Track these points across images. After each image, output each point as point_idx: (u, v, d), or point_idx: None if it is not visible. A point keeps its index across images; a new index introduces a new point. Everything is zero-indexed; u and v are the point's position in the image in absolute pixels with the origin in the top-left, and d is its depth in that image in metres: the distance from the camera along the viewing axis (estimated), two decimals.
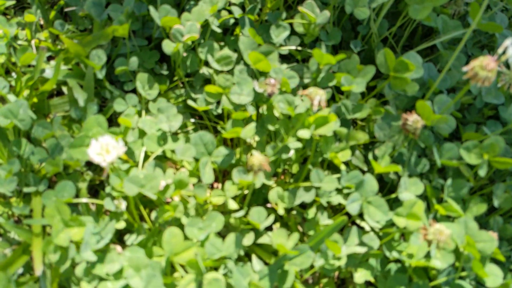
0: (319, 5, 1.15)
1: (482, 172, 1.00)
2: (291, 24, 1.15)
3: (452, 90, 1.22)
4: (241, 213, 0.93)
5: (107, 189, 0.97)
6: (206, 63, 1.16)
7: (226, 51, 1.08)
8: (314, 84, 1.08)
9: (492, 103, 1.17)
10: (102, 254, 0.87)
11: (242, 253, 0.92)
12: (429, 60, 1.25)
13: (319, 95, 0.90)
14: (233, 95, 1.00)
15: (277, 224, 1.02)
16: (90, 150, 0.78)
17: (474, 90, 1.16)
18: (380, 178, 1.09)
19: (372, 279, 0.96)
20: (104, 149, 0.78)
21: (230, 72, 1.11)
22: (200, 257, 0.86)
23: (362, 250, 0.94)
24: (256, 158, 0.83)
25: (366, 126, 1.14)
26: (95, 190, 1.07)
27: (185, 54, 1.12)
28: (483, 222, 1.07)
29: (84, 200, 0.96)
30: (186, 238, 0.90)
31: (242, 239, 0.93)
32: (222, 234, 0.97)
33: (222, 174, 1.12)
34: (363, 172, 1.07)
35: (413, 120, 0.99)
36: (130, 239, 0.93)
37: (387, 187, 1.11)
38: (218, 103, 1.09)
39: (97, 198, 1.04)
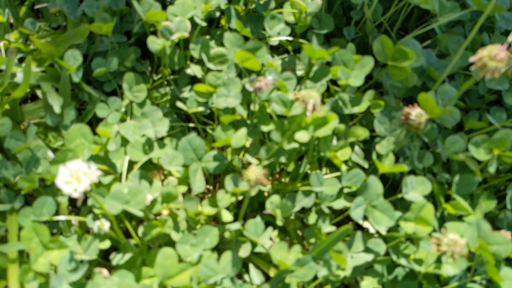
0: None
1: (492, 169, 0.90)
2: (280, 13, 1.02)
3: (451, 76, 1.10)
4: (236, 226, 0.82)
5: (90, 202, 0.85)
6: (192, 59, 1.03)
7: (220, 49, 0.95)
8: (307, 79, 0.96)
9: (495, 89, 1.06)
10: (85, 279, 0.76)
11: None
12: (426, 44, 1.13)
13: (313, 98, 0.78)
14: (219, 97, 0.87)
15: (275, 232, 0.91)
16: (58, 179, 0.65)
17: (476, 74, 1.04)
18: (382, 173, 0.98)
19: (379, 287, 0.86)
20: (74, 176, 0.65)
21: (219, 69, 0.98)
22: (195, 282, 0.74)
23: (368, 258, 0.83)
24: (253, 172, 0.71)
25: (364, 118, 1.02)
26: (76, 201, 0.95)
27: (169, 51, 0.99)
28: (491, 216, 0.97)
29: (64, 218, 0.84)
30: (178, 256, 0.78)
31: (238, 252, 0.82)
32: (216, 247, 0.86)
33: (213, 176, 1.00)
34: (364, 169, 0.96)
35: (416, 114, 0.87)
36: (116, 258, 0.82)
37: (389, 182, 1.00)
38: (206, 103, 0.96)
39: (79, 211, 0.91)
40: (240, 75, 0.96)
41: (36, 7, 1.07)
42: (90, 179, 0.65)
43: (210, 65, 0.94)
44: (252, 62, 0.88)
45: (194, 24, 1.01)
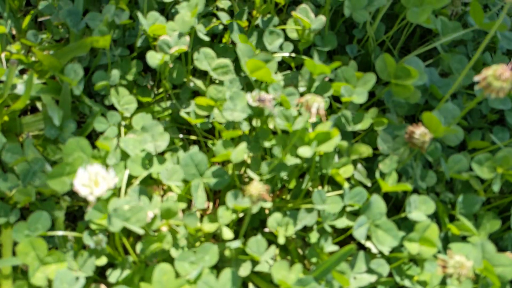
0: (311, 8, 0.99)
1: (496, 187, 0.86)
2: (283, 30, 1.00)
3: (453, 95, 1.08)
4: (237, 244, 0.78)
5: (86, 217, 0.81)
6: (193, 74, 1.00)
7: (223, 59, 0.92)
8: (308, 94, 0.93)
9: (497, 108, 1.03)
10: None
11: None
12: (429, 63, 1.10)
13: (317, 102, 0.75)
14: (226, 111, 0.84)
15: (276, 250, 0.87)
16: (76, 181, 0.63)
17: (479, 94, 1.01)
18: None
19: None
20: (92, 180, 0.63)
21: (221, 82, 0.95)
22: None
23: (372, 279, 0.79)
24: (255, 188, 0.68)
25: (367, 136, 0.99)
26: (73, 216, 0.91)
27: (171, 65, 0.96)
28: (495, 237, 0.94)
29: (60, 233, 0.80)
30: (176, 273, 0.74)
31: (238, 271, 0.78)
32: (215, 265, 0.82)
33: (213, 192, 0.97)
34: (367, 188, 0.92)
35: (420, 133, 0.84)
36: (113, 274, 0.78)
37: (392, 201, 0.96)
38: (208, 116, 0.93)
39: (75, 225, 0.88)
40: (243, 89, 0.93)
41: (39, 19, 1.04)
42: (108, 184, 0.63)
43: (213, 74, 0.91)
44: (263, 72, 0.84)
45: (197, 38, 0.98)
